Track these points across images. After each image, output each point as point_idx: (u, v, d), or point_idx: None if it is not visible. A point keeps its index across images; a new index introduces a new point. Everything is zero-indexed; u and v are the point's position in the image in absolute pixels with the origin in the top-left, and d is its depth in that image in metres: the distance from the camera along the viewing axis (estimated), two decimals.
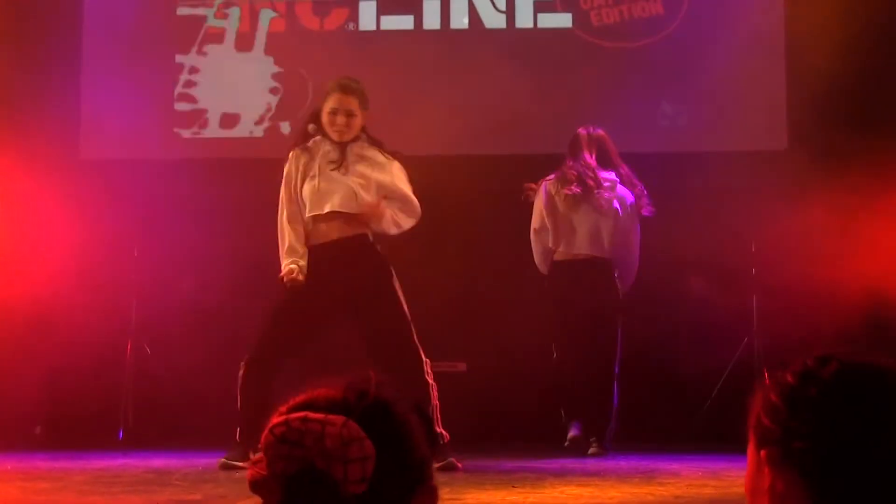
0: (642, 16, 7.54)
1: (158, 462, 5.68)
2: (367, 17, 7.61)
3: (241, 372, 5.28)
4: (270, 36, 7.65)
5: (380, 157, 5.54)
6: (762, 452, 1.39)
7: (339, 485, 1.28)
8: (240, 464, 5.03)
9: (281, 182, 5.58)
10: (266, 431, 1.33)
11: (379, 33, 7.59)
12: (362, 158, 5.50)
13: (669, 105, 7.43)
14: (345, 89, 5.49)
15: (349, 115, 5.46)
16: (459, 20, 7.58)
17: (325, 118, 5.50)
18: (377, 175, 5.48)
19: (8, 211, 6.99)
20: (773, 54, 7.39)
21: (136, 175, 7.33)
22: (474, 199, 7.15)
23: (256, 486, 1.33)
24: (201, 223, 7.24)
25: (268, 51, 7.65)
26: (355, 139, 5.53)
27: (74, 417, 6.99)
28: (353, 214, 5.41)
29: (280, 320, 5.38)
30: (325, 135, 5.52)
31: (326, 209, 5.39)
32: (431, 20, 7.58)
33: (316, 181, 5.43)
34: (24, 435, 6.88)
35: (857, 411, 1.34)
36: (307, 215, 5.44)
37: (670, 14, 7.51)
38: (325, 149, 5.50)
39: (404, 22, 7.61)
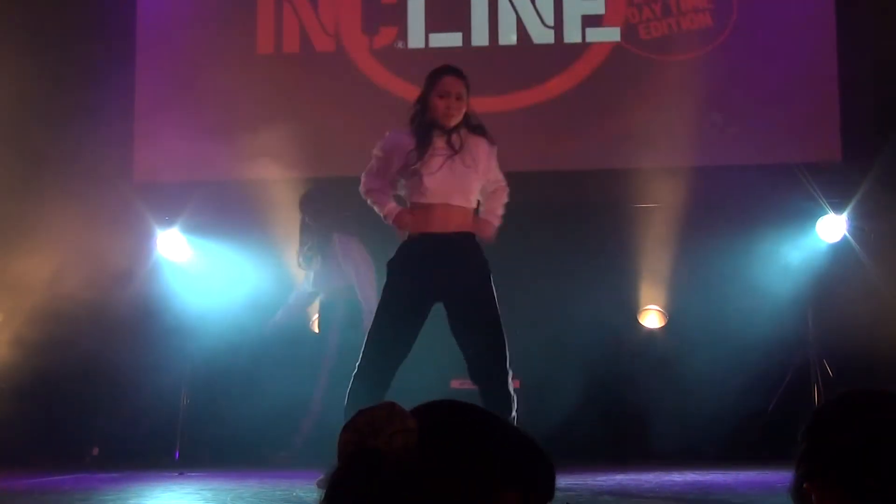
0: (691, 28, 7.49)
1: (214, 482, 5.71)
2: (416, 35, 7.64)
3: (350, 387, 4.80)
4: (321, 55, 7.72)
5: None
6: (805, 486, 1.57)
7: (382, 454, 1.35)
8: None
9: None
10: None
11: (427, 51, 7.61)
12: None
13: (720, 117, 7.35)
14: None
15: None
16: (507, 36, 7.58)
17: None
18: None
19: (72, 235, 7.04)
20: (825, 63, 7.29)
21: (190, 198, 7.40)
22: (527, 216, 7.12)
23: (322, 481, 1.40)
24: (260, 244, 7.31)
25: None
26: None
27: (130, 438, 7.05)
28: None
29: (382, 323, 4.86)
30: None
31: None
32: (479, 37, 7.59)
33: None
34: (81, 456, 6.96)
35: (856, 419, 1.58)
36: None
37: (719, 25, 7.46)
38: None
39: (453, 39, 7.62)
